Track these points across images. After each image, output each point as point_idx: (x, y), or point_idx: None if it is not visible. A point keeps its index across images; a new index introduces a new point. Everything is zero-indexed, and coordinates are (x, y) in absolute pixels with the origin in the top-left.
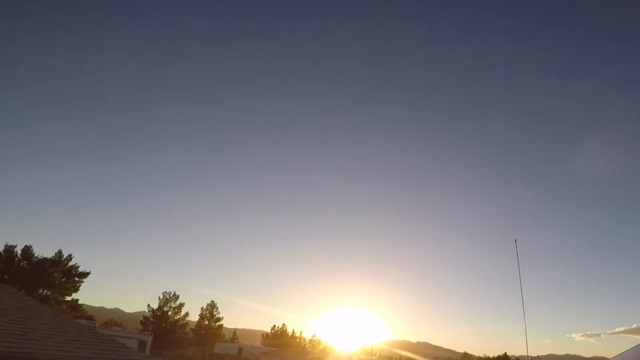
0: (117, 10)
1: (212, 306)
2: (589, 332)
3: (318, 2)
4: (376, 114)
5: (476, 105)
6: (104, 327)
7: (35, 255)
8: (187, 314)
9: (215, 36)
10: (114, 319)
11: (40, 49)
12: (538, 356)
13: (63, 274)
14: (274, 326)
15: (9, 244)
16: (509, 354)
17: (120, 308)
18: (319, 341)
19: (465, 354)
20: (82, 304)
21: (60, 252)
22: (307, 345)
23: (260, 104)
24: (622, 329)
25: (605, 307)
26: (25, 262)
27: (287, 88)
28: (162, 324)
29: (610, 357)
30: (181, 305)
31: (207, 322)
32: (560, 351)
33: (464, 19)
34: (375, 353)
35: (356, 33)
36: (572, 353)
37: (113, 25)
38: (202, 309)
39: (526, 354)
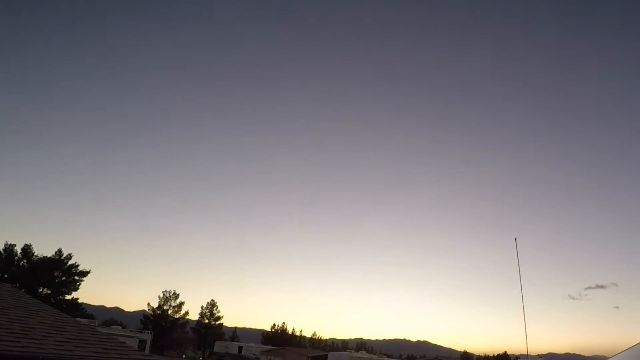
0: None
1: (212, 305)
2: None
3: None
4: (375, 114)
5: (476, 101)
6: (104, 326)
7: (35, 254)
8: (187, 313)
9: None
10: (114, 318)
11: (40, 49)
12: (538, 355)
13: (63, 273)
14: (274, 325)
15: (9, 243)
16: (508, 352)
17: (120, 307)
18: (319, 339)
19: (465, 352)
20: (82, 303)
21: (60, 251)
22: (307, 344)
23: (261, 105)
24: None
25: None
26: (25, 261)
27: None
28: (162, 322)
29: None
30: (181, 304)
31: (207, 321)
32: (560, 350)
33: None
34: (375, 352)
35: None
36: (572, 352)
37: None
38: (202, 307)
39: (526, 353)
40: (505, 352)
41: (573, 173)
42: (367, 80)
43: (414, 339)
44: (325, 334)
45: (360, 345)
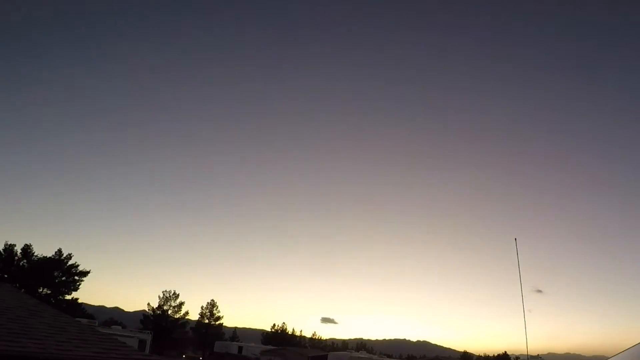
0: None
1: (212, 305)
2: None
3: None
4: (374, 110)
5: (477, 100)
6: (104, 326)
7: (35, 254)
8: (187, 313)
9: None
10: (114, 318)
11: (39, 48)
12: (538, 355)
13: (63, 273)
14: (274, 325)
15: (9, 243)
16: (508, 353)
17: (120, 307)
18: (319, 339)
19: (465, 352)
20: (82, 303)
21: (60, 250)
22: (307, 344)
23: (260, 105)
24: None
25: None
26: (25, 261)
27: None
28: (162, 322)
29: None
30: (181, 304)
31: (207, 321)
32: (560, 350)
33: None
34: (375, 352)
35: None
36: (572, 352)
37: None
38: (202, 307)
39: (526, 353)
40: (505, 352)
41: (573, 173)
42: (366, 72)
43: (414, 339)
44: (325, 334)
45: (360, 345)
